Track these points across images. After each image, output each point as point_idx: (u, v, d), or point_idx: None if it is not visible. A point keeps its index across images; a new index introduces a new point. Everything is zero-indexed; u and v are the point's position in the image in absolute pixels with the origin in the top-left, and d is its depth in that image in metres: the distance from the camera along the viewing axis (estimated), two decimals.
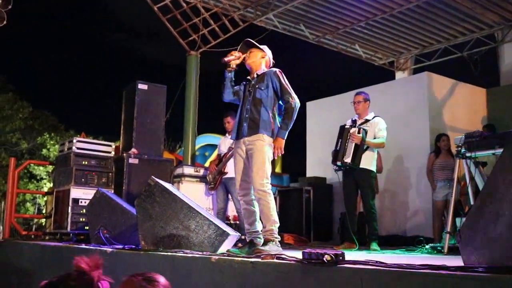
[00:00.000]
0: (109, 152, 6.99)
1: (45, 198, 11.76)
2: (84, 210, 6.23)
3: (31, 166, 16.76)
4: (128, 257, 4.12)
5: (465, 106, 8.73)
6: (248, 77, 4.25)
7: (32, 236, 7.90)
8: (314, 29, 10.54)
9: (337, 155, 5.86)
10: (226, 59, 4.18)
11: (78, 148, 6.75)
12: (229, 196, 6.42)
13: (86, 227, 6.01)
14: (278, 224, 3.92)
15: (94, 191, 5.51)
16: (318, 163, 9.36)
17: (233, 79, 4.25)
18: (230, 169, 6.00)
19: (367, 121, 5.98)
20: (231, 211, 6.98)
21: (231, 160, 5.83)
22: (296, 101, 4.03)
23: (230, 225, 6.36)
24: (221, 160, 6.42)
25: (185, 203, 4.11)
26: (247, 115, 4.06)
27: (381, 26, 10.18)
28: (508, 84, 9.64)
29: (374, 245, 5.61)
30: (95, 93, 32.60)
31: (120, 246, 4.51)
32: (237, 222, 6.74)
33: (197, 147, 12.04)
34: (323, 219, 8.63)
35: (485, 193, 2.54)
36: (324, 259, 2.52)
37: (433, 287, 2.14)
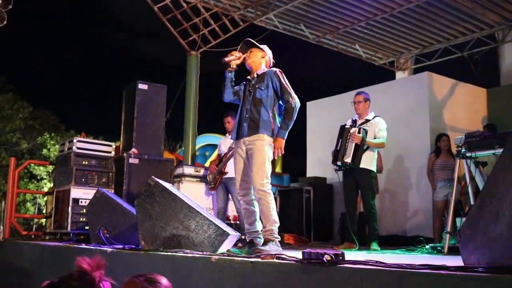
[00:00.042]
0: (109, 152, 6.99)
1: (45, 198, 11.75)
2: (84, 210, 6.23)
3: (31, 166, 16.76)
4: (128, 257, 4.12)
5: (465, 106, 8.73)
6: (248, 77, 4.25)
7: (32, 236, 7.90)
8: (315, 29, 10.53)
9: (337, 155, 5.86)
10: (226, 59, 4.18)
11: (78, 148, 6.75)
12: (229, 196, 6.42)
13: (86, 227, 6.01)
14: (278, 224, 3.93)
15: (94, 191, 5.51)
16: (318, 163, 9.35)
17: (233, 79, 4.25)
18: (231, 169, 6.00)
19: (367, 121, 5.97)
20: (231, 211, 6.98)
21: (232, 160, 5.82)
22: (296, 101, 4.03)
23: (230, 225, 6.36)
24: (221, 160, 6.42)
25: (185, 203, 4.11)
26: (247, 115, 4.06)
27: (382, 26, 10.17)
28: (508, 84, 9.64)
29: (374, 245, 5.61)
30: (95, 93, 32.65)
31: (120, 246, 4.51)
32: (237, 222, 6.74)
33: (197, 147, 12.05)
34: (323, 219, 8.63)
35: (485, 193, 2.54)
36: (324, 259, 2.52)
37: (433, 287, 2.14)
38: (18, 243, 6.41)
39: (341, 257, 2.57)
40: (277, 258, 2.98)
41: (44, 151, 17.41)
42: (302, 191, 8.59)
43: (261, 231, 3.96)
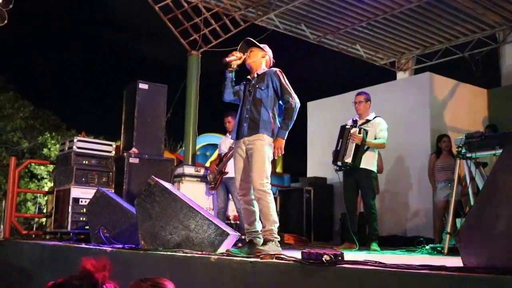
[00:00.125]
0: (110, 152, 7.00)
1: (45, 198, 11.76)
2: (84, 210, 6.24)
3: (32, 165, 16.77)
4: (128, 256, 4.12)
5: (466, 107, 8.72)
6: (248, 77, 4.25)
7: (33, 236, 7.92)
8: (315, 29, 10.53)
9: (337, 155, 5.85)
10: (227, 59, 4.18)
11: (78, 148, 6.76)
12: (230, 196, 6.42)
13: (86, 227, 6.02)
14: (277, 224, 3.92)
15: (95, 191, 5.52)
16: (319, 163, 9.35)
17: (234, 79, 4.25)
18: (231, 169, 6.00)
19: (368, 121, 5.97)
20: (232, 211, 6.98)
21: (232, 160, 5.82)
22: (296, 101, 4.03)
23: (230, 225, 6.37)
24: (222, 160, 6.43)
25: (185, 202, 4.11)
26: (247, 115, 4.06)
27: (383, 26, 10.17)
28: (509, 84, 9.63)
29: (374, 246, 5.61)
30: (95, 92, 32.63)
31: (120, 246, 4.51)
32: (237, 222, 6.74)
33: (197, 146, 12.06)
34: (323, 219, 8.63)
35: (484, 193, 2.54)
36: (323, 259, 2.52)
37: None
38: (18, 243, 6.41)
39: (340, 258, 2.57)
40: (277, 258, 2.98)
41: (45, 150, 17.42)
42: (303, 191, 8.60)
43: (261, 231, 3.95)
